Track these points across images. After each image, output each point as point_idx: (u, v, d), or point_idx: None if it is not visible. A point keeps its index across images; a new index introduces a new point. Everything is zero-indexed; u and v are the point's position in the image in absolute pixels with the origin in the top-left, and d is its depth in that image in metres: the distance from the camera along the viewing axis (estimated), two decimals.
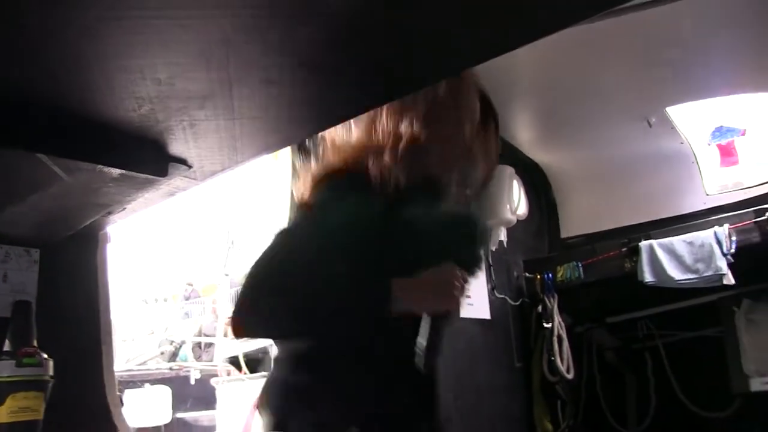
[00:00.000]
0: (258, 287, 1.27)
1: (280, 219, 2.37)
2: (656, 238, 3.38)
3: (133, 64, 0.89)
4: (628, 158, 3.72)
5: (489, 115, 1.51)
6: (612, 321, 4.00)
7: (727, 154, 3.58)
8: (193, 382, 8.59)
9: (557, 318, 3.62)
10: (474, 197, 1.53)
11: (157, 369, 9.04)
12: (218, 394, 7.55)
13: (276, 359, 1.43)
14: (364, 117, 1.42)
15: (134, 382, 7.61)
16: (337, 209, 1.29)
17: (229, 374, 8.54)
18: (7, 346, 1.33)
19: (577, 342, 3.87)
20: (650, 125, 3.33)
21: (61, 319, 1.57)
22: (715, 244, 3.19)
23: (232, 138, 1.12)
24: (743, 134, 3.53)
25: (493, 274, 3.47)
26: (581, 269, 3.61)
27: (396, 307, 1.24)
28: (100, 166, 1.11)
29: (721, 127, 3.55)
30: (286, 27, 0.84)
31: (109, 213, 1.44)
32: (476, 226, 1.53)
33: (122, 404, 1.72)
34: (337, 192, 1.32)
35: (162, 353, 10.42)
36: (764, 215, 3.10)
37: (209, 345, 10.90)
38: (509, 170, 3.41)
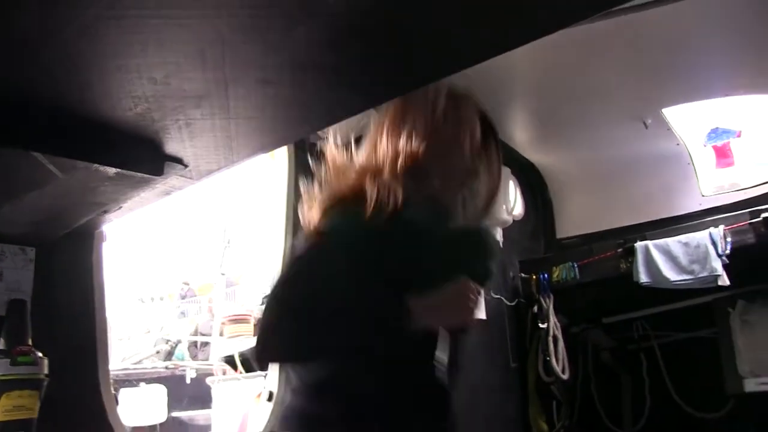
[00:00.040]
0: (281, 314, 1.29)
1: (276, 221, 2.37)
2: (652, 239, 3.39)
3: (129, 64, 0.89)
4: (624, 159, 3.73)
5: (489, 134, 1.53)
6: (608, 321, 4.01)
7: (723, 155, 3.59)
8: (188, 381, 8.59)
9: (553, 318, 3.62)
10: (480, 214, 1.54)
11: (152, 368, 9.04)
12: (214, 393, 7.56)
13: (294, 390, 1.42)
14: (366, 140, 1.45)
15: (130, 380, 7.61)
16: (347, 237, 1.30)
17: (224, 373, 8.54)
18: (1, 345, 1.33)
19: (573, 342, 3.88)
20: (646, 126, 3.34)
21: (56, 318, 1.57)
22: (710, 245, 3.20)
23: (228, 137, 1.13)
24: (739, 136, 3.54)
25: None
26: (577, 270, 3.61)
27: (415, 325, 1.25)
28: (96, 165, 1.12)
29: (717, 128, 3.56)
30: (284, 27, 0.84)
31: (105, 212, 1.44)
32: (485, 238, 1.54)
33: (118, 403, 1.72)
34: (345, 220, 1.33)
35: (158, 352, 10.41)
36: (759, 216, 3.11)
37: (205, 344, 10.90)
38: (505, 170, 3.40)
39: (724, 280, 3.17)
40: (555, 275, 3.67)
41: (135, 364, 9.72)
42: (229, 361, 9.19)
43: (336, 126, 1.37)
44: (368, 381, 1.29)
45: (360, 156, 1.44)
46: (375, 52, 0.95)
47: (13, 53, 0.86)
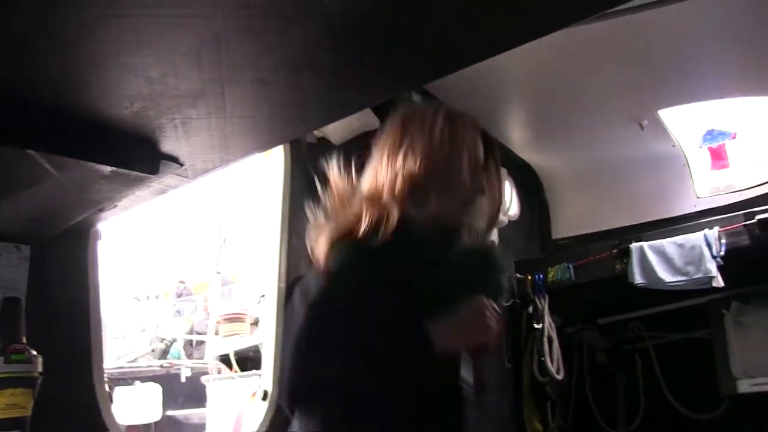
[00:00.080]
0: (308, 355, 1.29)
1: (272, 219, 2.37)
2: (647, 240, 3.39)
3: (125, 62, 0.89)
4: (620, 160, 3.74)
5: (490, 154, 1.54)
6: (603, 322, 4.02)
7: (718, 157, 3.60)
8: (183, 379, 8.58)
9: (548, 319, 3.63)
10: (484, 232, 1.55)
11: (147, 366, 9.02)
12: (209, 391, 7.55)
13: None
14: (368, 166, 1.46)
15: (125, 379, 7.60)
16: (356, 277, 1.32)
17: (219, 372, 8.54)
18: None
19: (568, 343, 3.89)
20: (642, 128, 3.34)
21: (51, 316, 1.57)
22: (704, 246, 3.20)
23: (224, 137, 1.13)
24: (734, 138, 3.56)
25: None
26: (572, 270, 3.61)
27: (439, 350, 1.26)
28: (91, 164, 1.12)
29: (712, 130, 3.57)
30: (280, 27, 0.85)
31: (101, 210, 1.44)
32: (491, 254, 1.53)
33: (112, 401, 1.72)
34: (352, 257, 1.34)
35: (153, 351, 10.39)
36: (754, 218, 3.12)
37: (200, 343, 10.89)
38: (501, 171, 3.41)
39: (719, 282, 3.18)
40: (550, 276, 3.67)
41: (130, 362, 9.71)
42: (224, 359, 9.19)
43: (338, 153, 1.39)
44: (399, 408, 1.30)
45: (363, 183, 1.45)
46: (372, 51, 0.95)
47: (11, 53, 0.85)
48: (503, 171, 3.33)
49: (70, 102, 1.00)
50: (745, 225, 3.16)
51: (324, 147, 2.43)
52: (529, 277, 3.71)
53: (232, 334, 10.03)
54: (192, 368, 8.86)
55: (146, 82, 0.93)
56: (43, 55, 0.86)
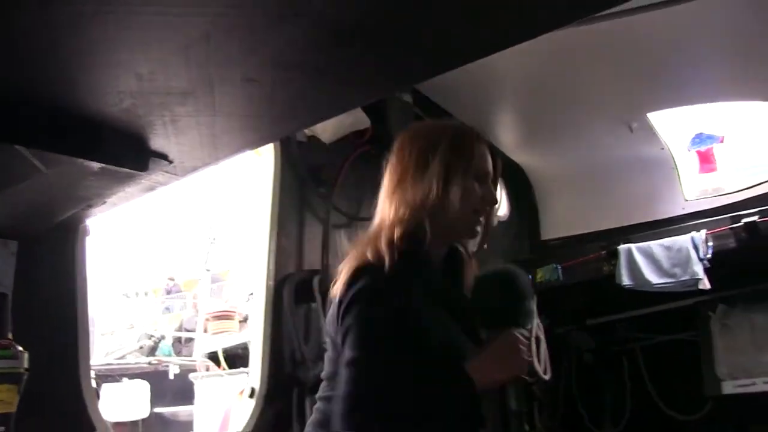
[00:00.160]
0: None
1: (261, 217, 2.37)
2: (635, 242, 3.42)
3: (115, 59, 0.90)
4: (610, 162, 3.75)
5: (495, 165, 1.53)
6: (591, 323, 4.04)
7: (706, 161, 3.63)
8: (171, 377, 8.53)
9: (536, 319, 3.64)
10: (481, 242, 1.54)
11: (135, 363, 8.97)
12: (197, 389, 7.53)
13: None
14: (381, 194, 1.44)
15: (112, 376, 7.54)
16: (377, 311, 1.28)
17: (208, 369, 8.51)
18: None
19: (556, 343, 3.90)
20: (632, 130, 3.36)
21: (38, 312, 1.57)
22: (692, 249, 3.23)
23: (213, 134, 1.13)
24: (722, 141, 3.58)
25: None
26: (560, 271, 3.63)
27: (477, 388, 1.26)
28: (80, 160, 1.11)
29: (701, 134, 3.60)
30: (269, 26, 0.85)
31: (89, 206, 1.43)
32: (517, 278, 1.50)
33: (99, 398, 1.71)
34: (368, 295, 1.29)
35: (141, 347, 10.34)
36: (740, 222, 3.15)
37: (189, 340, 10.86)
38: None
39: (705, 284, 3.20)
40: (539, 276, 3.68)
41: (118, 359, 9.65)
42: (213, 357, 9.16)
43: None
44: None
45: (375, 220, 1.44)
46: (367, 51, 0.95)
47: (2, 50, 0.85)
48: None
49: (59, 98, 1.00)
50: (731, 228, 3.18)
51: (314, 145, 2.43)
52: None
53: (221, 332, 10.00)
54: (180, 365, 8.82)
55: (136, 79, 0.93)
56: (32, 52, 0.86)
